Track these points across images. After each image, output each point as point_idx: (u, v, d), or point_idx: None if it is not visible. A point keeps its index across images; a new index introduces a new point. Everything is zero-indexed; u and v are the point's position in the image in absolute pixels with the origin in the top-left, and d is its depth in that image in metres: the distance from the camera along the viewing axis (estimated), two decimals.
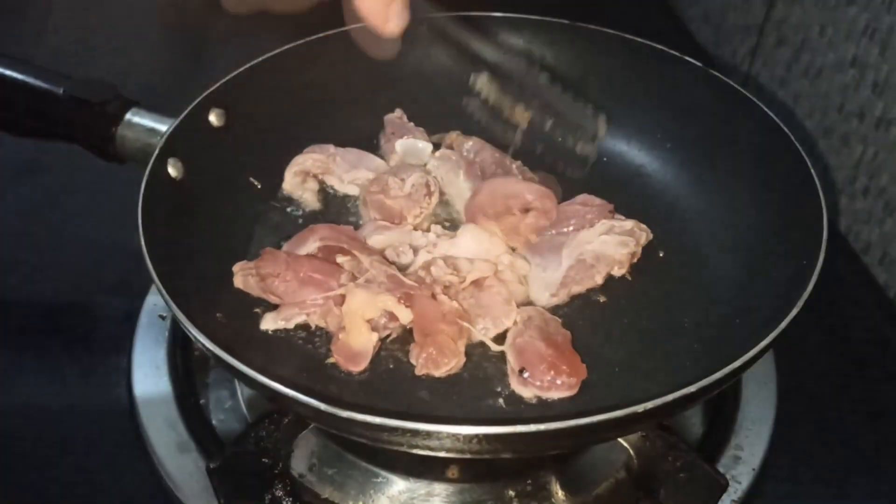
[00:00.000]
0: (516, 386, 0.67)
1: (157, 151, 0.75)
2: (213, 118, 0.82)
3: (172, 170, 0.77)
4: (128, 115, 0.81)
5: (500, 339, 0.71)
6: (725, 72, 1.25)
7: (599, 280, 0.76)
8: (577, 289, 0.75)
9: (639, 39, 0.88)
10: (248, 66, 0.85)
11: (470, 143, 0.86)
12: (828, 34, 1.05)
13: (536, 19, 0.91)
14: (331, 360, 0.69)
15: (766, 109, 0.79)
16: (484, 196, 0.79)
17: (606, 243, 0.77)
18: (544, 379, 0.66)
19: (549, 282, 0.75)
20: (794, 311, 0.60)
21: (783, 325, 0.59)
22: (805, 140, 1.09)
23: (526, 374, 0.66)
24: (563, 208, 0.81)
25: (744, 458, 0.73)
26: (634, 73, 0.88)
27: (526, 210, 0.79)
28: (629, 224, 0.79)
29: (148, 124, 0.81)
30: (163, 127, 0.80)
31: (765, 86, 1.18)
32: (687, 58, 0.86)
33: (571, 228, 0.79)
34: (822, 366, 0.86)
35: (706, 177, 0.83)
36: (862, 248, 1.01)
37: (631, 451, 0.66)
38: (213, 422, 0.75)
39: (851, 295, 0.96)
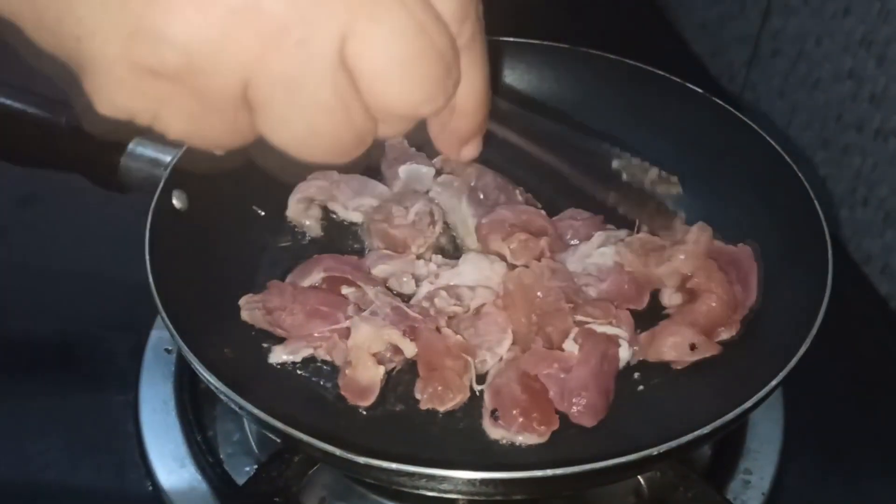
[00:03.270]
0: (487, 426, 0.67)
1: (161, 183, 0.75)
2: None
3: (177, 201, 0.76)
4: (131, 146, 0.82)
5: None
6: (722, 83, 1.26)
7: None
8: None
9: (639, 64, 0.88)
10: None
11: (471, 169, 0.86)
12: (824, 45, 1.05)
13: (536, 43, 0.91)
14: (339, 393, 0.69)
15: (765, 136, 0.80)
16: (497, 217, 0.79)
17: (605, 255, 0.77)
18: (513, 424, 0.65)
19: None
20: (803, 349, 0.60)
21: (794, 361, 0.59)
22: (804, 151, 1.09)
23: (497, 416, 0.66)
24: (555, 224, 0.81)
25: (753, 483, 0.73)
26: (635, 97, 0.88)
27: (541, 234, 0.79)
28: (622, 233, 0.79)
29: (152, 154, 0.81)
30: (167, 157, 0.80)
31: (762, 97, 1.18)
32: (687, 83, 0.86)
33: (571, 242, 0.79)
34: (827, 380, 0.86)
35: (708, 204, 0.82)
36: (863, 259, 1.02)
37: (642, 482, 0.66)
38: (222, 455, 0.75)
39: (853, 306, 0.96)
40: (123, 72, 0.40)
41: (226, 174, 0.81)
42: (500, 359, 0.71)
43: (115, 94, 0.41)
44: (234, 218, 0.81)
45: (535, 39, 0.92)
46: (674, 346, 0.71)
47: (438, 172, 0.86)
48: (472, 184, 0.84)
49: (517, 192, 0.84)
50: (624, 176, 0.67)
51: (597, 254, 0.78)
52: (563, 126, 0.65)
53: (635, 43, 0.91)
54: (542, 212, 0.81)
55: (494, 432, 0.66)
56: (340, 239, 0.84)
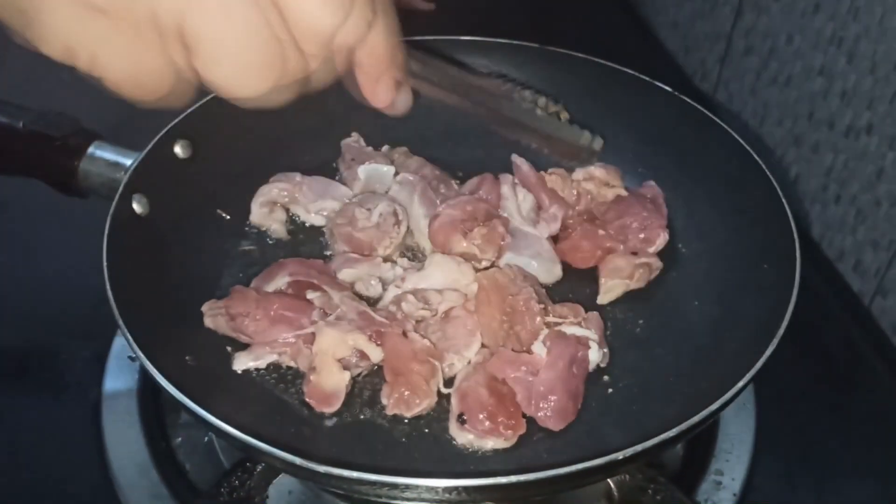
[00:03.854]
0: (454, 430, 0.66)
1: (121, 188, 0.74)
2: (179, 150, 0.80)
3: (137, 206, 0.75)
4: (90, 149, 0.80)
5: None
6: (694, 81, 1.26)
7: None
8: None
9: (607, 63, 0.88)
10: (213, 95, 0.83)
11: (412, 161, 0.85)
12: (795, 43, 1.05)
13: (505, 43, 0.90)
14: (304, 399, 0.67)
15: (733, 134, 0.79)
16: (446, 218, 0.79)
17: (528, 198, 0.81)
18: (480, 427, 0.64)
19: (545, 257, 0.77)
20: (770, 349, 0.60)
21: (760, 362, 0.59)
22: (776, 149, 1.09)
23: (464, 420, 0.65)
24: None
25: (724, 484, 0.72)
26: (605, 96, 0.87)
27: (489, 219, 0.79)
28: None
29: (111, 158, 0.79)
30: (127, 161, 0.78)
31: (734, 94, 1.18)
32: (655, 82, 0.86)
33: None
34: (801, 379, 0.86)
35: (678, 202, 0.82)
36: (835, 256, 1.02)
37: (611, 484, 0.65)
38: (187, 465, 0.74)
39: (826, 303, 0.96)
40: (63, 7, 0.41)
41: (189, 178, 0.80)
42: (469, 362, 0.70)
43: (56, 31, 0.42)
44: (196, 222, 0.80)
45: (503, 38, 0.91)
46: (624, 263, 0.76)
47: (398, 171, 0.85)
48: (426, 181, 0.83)
49: (454, 183, 0.84)
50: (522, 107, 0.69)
51: (521, 200, 0.81)
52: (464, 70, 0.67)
53: (608, 41, 0.90)
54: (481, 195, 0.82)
55: (462, 437, 0.65)
56: (306, 241, 0.83)
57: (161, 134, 0.79)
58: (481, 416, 0.64)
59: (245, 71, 0.46)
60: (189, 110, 0.80)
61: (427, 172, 0.84)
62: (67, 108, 0.81)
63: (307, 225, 0.84)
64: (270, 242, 0.82)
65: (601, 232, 0.79)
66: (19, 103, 0.83)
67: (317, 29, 0.47)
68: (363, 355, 0.68)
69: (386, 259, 0.77)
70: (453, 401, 0.67)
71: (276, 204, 0.83)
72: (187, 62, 0.45)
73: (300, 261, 0.76)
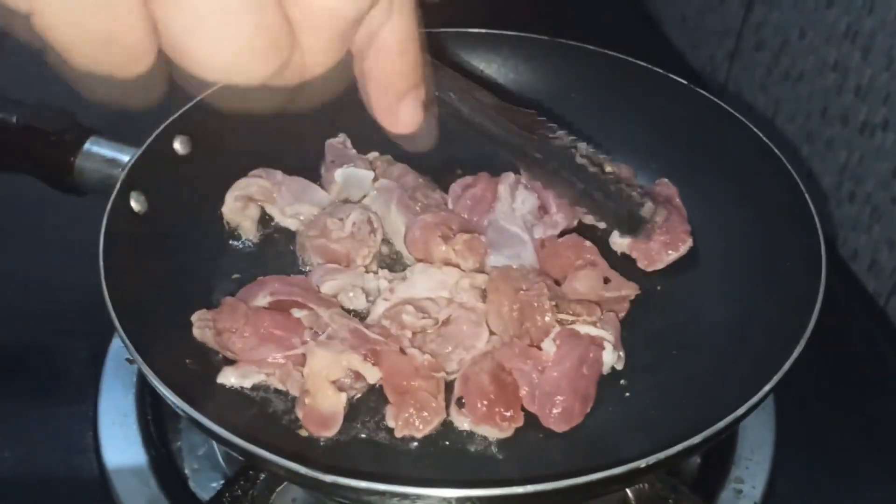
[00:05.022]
0: (453, 413, 0.64)
1: (118, 184, 0.71)
2: (178, 146, 0.78)
3: (135, 203, 0.73)
4: (87, 145, 0.78)
5: None
6: (703, 76, 1.24)
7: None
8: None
9: (619, 55, 0.86)
10: (213, 89, 0.81)
11: (394, 168, 0.82)
12: (808, 37, 1.03)
13: (514, 35, 0.88)
14: (301, 431, 0.63)
15: (752, 127, 0.77)
16: (422, 223, 0.76)
17: (528, 201, 0.79)
18: (476, 413, 0.63)
19: (525, 261, 0.75)
20: (797, 352, 0.58)
21: (787, 364, 0.57)
22: (788, 145, 1.07)
23: (462, 403, 0.64)
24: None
25: (745, 492, 0.70)
26: (615, 89, 0.85)
27: (462, 232, 0.76)
28: (510, 176, 0.80)
29: (108, 154, 0.78)
30: (124, 157, 0.76)
31: (744, 90, 1.16)
32: (670, 74, 0.84)
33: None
34: (817, 382, 0.84)
35: (694, 199, 0.80)
36: (849, 256, 1.00)
37: (629, 494, 0.63)
38: (187, 471, 0.72)
39: (840, 304, 0.94)
40: None
41: (188, 175, 0.78)
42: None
43: None
44: (196, 220, 0.77)
45: (512, 31, 0.89)
46: (594, 285, 0.72)
47: (377, 178, 0.82)
48: (404, 188, 0.80)
49: (438, 192, 0.81)
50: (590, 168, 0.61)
51: (519, 203, 0.78)
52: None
53: (614, 36, 0.88)
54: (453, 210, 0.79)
55: (459, 420, 0.64)
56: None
57: (160, 129, 0.76)
58: (479, 404, 0.63)
59: (225, 45, 0.35)
60: (189, 105, 0.78)
61: (409, 180, 0.80)
62: (63, 103, 0.79)
63: (281, 227, 0.80)
64: (269, 244, 0.79)
65: (587, 243, 0.75)
66: (13, 97, 0.81)
67: (330, 10, 0.37)
68: (358, 376, 0.65)
69: (367, 269, 0.74)
70: (456, 384, 0.65)
71: (251, 200, 0.79)
72: (152, 18, 0.35)
73: (281, 278, 0.72)
